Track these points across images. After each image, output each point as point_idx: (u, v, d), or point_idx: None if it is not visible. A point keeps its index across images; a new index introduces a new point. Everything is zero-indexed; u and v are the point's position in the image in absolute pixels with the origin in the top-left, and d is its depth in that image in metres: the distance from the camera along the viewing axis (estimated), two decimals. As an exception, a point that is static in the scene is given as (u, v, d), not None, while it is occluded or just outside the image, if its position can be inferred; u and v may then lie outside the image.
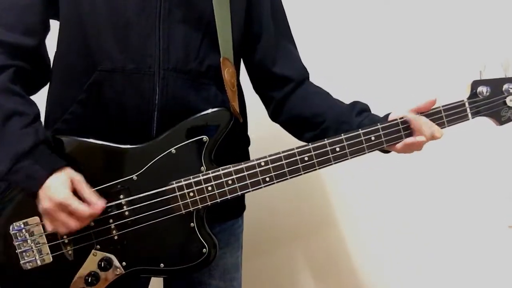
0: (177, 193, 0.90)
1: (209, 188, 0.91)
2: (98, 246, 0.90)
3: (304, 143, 0.94)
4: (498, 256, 1.45)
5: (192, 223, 0.92)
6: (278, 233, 1.57)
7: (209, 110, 0.94)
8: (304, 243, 1.58)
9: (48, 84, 1.01)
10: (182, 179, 0.91)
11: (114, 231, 0.90)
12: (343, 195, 1.54)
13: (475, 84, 0.98)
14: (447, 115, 0.96)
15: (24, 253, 0.88)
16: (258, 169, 0.92)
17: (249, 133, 1.12)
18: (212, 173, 0.91)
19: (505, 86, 0.98)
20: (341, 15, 1.48)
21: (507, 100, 0.98)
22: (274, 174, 0.92)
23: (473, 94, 0.98)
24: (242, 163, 0.92)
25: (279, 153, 0.93)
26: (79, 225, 0.85)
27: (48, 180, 0.84)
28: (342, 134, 0.94)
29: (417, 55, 1.44)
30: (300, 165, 0.93)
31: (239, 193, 0.92)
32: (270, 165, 0.92)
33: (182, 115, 0.93)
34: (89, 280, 0.89)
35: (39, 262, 0.88)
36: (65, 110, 0.94)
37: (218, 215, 0.99)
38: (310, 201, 1.56)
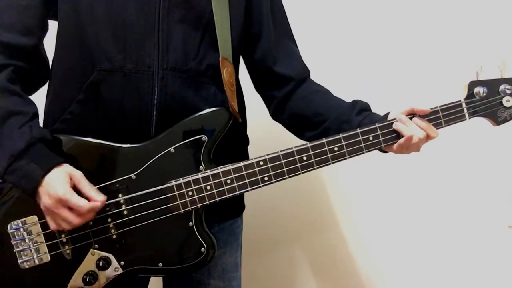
0: (176, 192, 0.90)
1: (208, 188, 0.91)
2: (97, 245, 0.90)
3: (303, 142, 0.94)
4: (498, 256, 1.45)
5: (190, 223, 0.92)
6: (278, 233, 1.57)
7: (208, 110, 0.94)
8: (304, 243, 1.57)
9: (47, 83, 1.01)
10: (181, 178, 0.91)
11: (112, 230, 0.90)
12: (343, 195, 1.54)
13: (472, 84, 0.99)
14: (445, 115, 0.97)
15: (22, 252, 0.88)
16: (256, 169, 0.92)
17: (248, 132, 1.12)
18: (211, 172, 0.91)
19: (502, 87, 0.99)
20: (341, 15, 1.48)
21: (504, 100, 0.99)
22: (273, 174, 0.92)
23: (470, 95, 0.99)
24: (241, 162, 0.92)
25: (277, 152, 0.93)
26: (80, 220, 0.85)
27: (47, 176, 0.84)
28: (340, 134, 0.94)
29: (415, 55, 1.44)
30: (298, 165, 0.93)
31: (238, 192, 0.92)
32: (269, 165, 0.92)
33: (181, 114, 0.93)
34: (87, 279, 0.89)
35: (37, 261, 0.88)
36: (64, 110, 0.94)
37: (217, 214, 0.99)
38: (310, 201, 1.55)
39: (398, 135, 0.95)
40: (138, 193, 0.90)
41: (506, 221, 1.45)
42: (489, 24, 1.39)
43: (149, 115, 0.93)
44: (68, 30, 0.95)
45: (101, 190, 0.89)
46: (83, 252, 0.89)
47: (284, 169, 0.93)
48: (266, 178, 0.92)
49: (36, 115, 0.89)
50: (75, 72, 0.94)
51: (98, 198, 0.86)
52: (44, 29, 0.97)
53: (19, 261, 0.88)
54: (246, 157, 1.09)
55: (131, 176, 0.90)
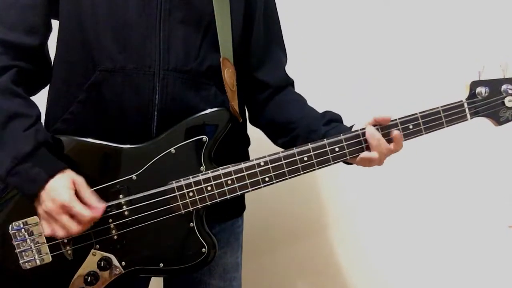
0: (177, 193, 0.90)
1: (209, 188, 0.91)
2: (98, 246, 0.90)
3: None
4: (498, 256, 1.45)
5: (191, 223, 0.92)
6: (278, 233, 1.57)
7: (209, 110, 0.94)
8: (304, 243, 1.58)
9: (49, 83, 1.01)
10: (182, 179, 0.91)
11: (113, 231, 0.90)
12: (343, 195, 1.54)
13: (474, 84, 0.98)
14: (446, 116, 0.97)
15: (23, 253, 0.88)
16: (257, 169, 0.92)
17: (248, 133, 1.12)
18: (211, 173, 0.91)
19: (504, 87, 0.99)
20: (341, 16, 1.48)
21: (506, 100, 0.99)
22: (274, 174, 0.92)
23: (472, 95, 0.98)
24: (242, 163, 0.92)
25: (278, 153, 0.93)
26: (80, 229, 0.85)
27: (51, 181, 0.84)
28: (341, 135, 0.94)
29: (416, 55, 1.44)
30: (299, 165, 0.93)
31: (239, 193, 0.92)
32: (270, 165, 0.92)
33: (182, 115, 0.93)
34: (89, 280, 0.89)
35: (38, 262, 0.88)
36: (65, 110, 0.94)
37: (218, 214, 1.00)
38: (310, 201, 1.55)
39: (362, 147, 0.95)
40: (139, 195, 0.90)
41: (506, 221, 1.45)
42: (491, 24, 1.39)
43: (150, 115, 0.93)
44: (70, 30, 0.95)
45: (102, 191, 0.89)
46: (84, 252, 0.89)
47: (285, 169, 0.93)
48: (267, 179, 0.92)
49: (39, 118, 0.90)
50: (76, 72, 0.94)
51: (99, 206, 0.86)
52: (48, 28, 0.97)
53: (20, 261, 0.88)
54: (246, 157, 1.09)
55: (132, 177, 0.90)
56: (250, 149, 1.11)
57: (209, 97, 0.97)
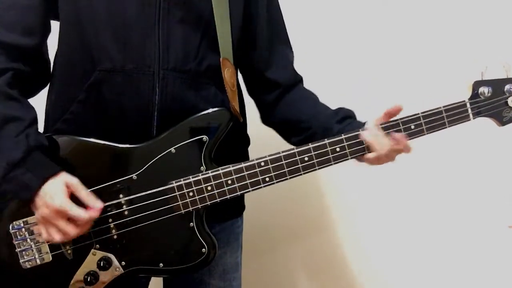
0: (177, 193, 0.90)
1: (209, 188, 0.91)
2: (98, 246, 0.90)
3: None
4: (498, 256, 1.45)
5: (191, 223, 0.92)
6: (278, 233, 1.57)
7: (209, 110, 0.93)
8: (304, 243, 1.57)
9: (48, 84, 1.01)
10: (182, 179, 0.90)
11: (113, 231, 0.90)
12: (343, 195, 1.54)
13: (477, 84, 0.97)
14: (448, 116, 0.96)
15: (23, 252, 0.88)
16: (258, 169, 0.92)
17: (248, 132, 1.11)
18: (211, 173, 0.91)
19: (507, 87, 0.98)
20: (340, 16, 1.48)
21: (509, 100, 0.98)
22: (274, 174, 0.92)
23: (475, 95, 0.97)
24: (242, 163, 0.92)
25: (279, 153, 0.92)
26: (78, 231, 0.85)
27: (44, 186, 0.84)
28: (343, 135, 0.93)
29: (419, 55, 1.43)
30: (300, 165, 0.93)
31: (239, 193, 0.92)
32: (270, 165, 0.92)
33: (182, 114, 0.93)
34: (88, 280, 0.89)
35: (38, 261, 0.89)
36: (65, 110, 0.94)
37: (218, 214, 0.99)
38: (310, 201, 1.55)
39: (363, 147, 0.94)
40: (139, 194, 0.90)
41: (506, 221, 1.44)
42: (494, 23, 1.38)
43: (150, 115, 0.93)
44: (69, 30, 0.95)
45: (103, 190, 0.89)
46: (84, 252, 0.89)
47: (286, 169, 0.92)
48: (267, 179, 0.92)
49: (34, 121, 0.89)
50: (76, 72, 0.94)
51: (96, 205, 0.86)
52: (47, 29, 0.97)
53: (21, 261, 0.88)
54: (246, 156, 1.09)
55: (132, 177, 0.90)
56: (250, 149, 1.11)
57: (209, 96, 0.97)
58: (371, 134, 0.93)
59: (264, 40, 1.06)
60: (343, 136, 0.94)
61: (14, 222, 0.88)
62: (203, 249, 0.92)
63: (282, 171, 0.92)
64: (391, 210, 1.50)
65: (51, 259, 0.89)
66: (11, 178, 0.83)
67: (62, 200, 0.83)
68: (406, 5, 1.45)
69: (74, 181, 0.86)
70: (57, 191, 0.84)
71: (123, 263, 0.90)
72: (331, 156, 0.93)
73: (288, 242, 1.57)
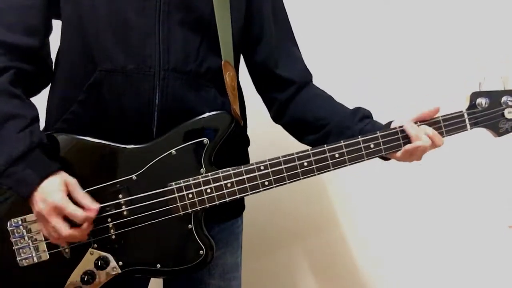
0: (176, 195, 0.91)
1: (208, 191, 0.91)
2: (95, 245, 0.90)
3: (304, 149, 0.94)
4: (498, 256, 1.46)
5: (189, 225, 0.92)
6: (278, 233, 1.57)
7: (211, 113, 0.94)
8: (304, 243, 1.58)
9: (50, 84, 1.01)
10: (181, 181, 0.91)
11: (111, 231, 0.90)
12: (343, 195, 1.54)
13: (474, 95, 0.99)
14: (446, 125, 0.98)
15: (20, 250, 0.88)
16: (257, 173, 0.92)
17: (248, 133, 1.12)
18: (211, 175, 0.91)
19: (504, 99, 1.00)
20: (340, 16, 1.48)
21: (506, 112, 1.00)
22: (273, 178, 0.93)
23: (472, 105, 0.99)
24: (242, 166, 0.92)
25: (278, 157, 0.93)
26: (71, 232, 0.84)
27: (44, 183, 0.84)
28: (342, 141, 0.94)
29: (419, 55, 1.44)
30: (299, 170, 0.93)
31: (238, 196, 0.92)
32: (270, 169, 0.93)
33: (182, 115, 0.93)
34: (85, 279, 0.89)
35: (35, 259, 0.88)
36: (66, 110, 0.93)
37: (217, 215, 0.99)
38: (310, 201, 1.56)
39: (399, 143, 0.96)
40: (138, 195, 0.90)
41: (506, 221, 1.45)
42: (493, 23, 1.39)
43: (151, 115, 0.93)
44: (70, 30, 0.95)
45: (102, 190, 0.89)
46: (82, 251, 0.89)
47: (285, 174, 0.93)
48: (266, 183, 0.93)
49: (35, 119, 0.89)
50: (77, 72, 0.94)
51: (93, 207, 0.86)
52: (48, 29, 0.97)
53: (17, 258, 0.88)
54: (246, 158, 1.10)
55: (132, 177, 0.90)
56: (249, 150, 1.11)
57: (208, 98, 0.97)
58: (413, 127, 0.94)
59: (272, 39, 1.06)
60: (342, 143, 0.94)
61: (12, 220, 0.88)
62: (201, 251, 0.92)
63: (281, 175, 0.93)
64: (391, 210, 1.51)
65: (48, 257, 0.89)
66: (10, 173, 0.83)
67: (60, 197, 0.83)
68: (407, 4, 1.45)
69: (72, 181, 0.86)
70: (55, 189, 0.84)
71: (121, 263, 0.90)
72: (330, 162, 0.94)
73: (288, 242, 1.58)
